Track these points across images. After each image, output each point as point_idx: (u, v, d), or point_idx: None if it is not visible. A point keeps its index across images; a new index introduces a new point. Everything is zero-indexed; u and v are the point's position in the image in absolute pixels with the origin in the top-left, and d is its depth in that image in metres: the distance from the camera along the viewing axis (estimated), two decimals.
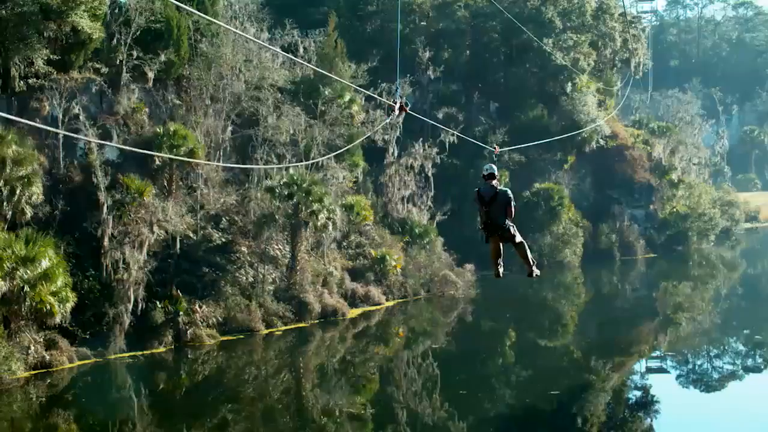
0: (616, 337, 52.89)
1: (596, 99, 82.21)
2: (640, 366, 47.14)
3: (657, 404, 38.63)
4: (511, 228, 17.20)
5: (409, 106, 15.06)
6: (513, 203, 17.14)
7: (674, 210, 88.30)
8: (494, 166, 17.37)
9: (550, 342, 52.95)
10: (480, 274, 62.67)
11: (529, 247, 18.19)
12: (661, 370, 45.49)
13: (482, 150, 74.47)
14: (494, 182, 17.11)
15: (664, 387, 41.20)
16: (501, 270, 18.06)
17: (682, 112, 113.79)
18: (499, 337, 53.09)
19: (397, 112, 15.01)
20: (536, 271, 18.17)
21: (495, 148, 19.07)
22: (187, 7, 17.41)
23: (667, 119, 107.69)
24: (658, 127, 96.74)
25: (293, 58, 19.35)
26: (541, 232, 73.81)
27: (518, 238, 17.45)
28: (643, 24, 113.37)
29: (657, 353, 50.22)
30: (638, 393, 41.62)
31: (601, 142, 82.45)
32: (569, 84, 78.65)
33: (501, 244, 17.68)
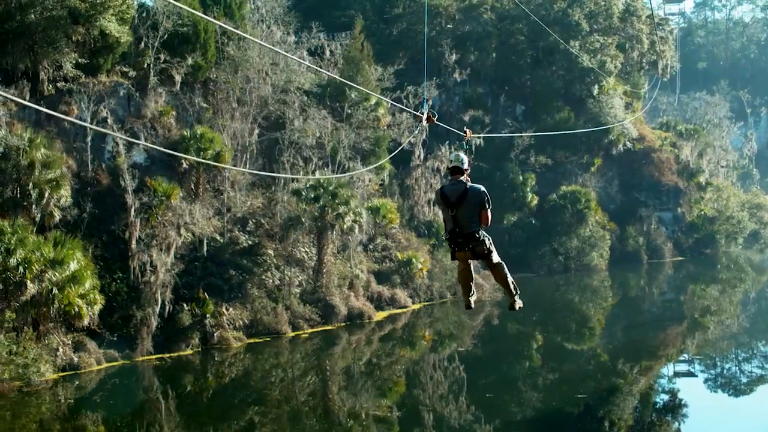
0: (644, 341, 52.61)
1: (623, 101, 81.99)
2: (668, 369, 46.87)
3: (685, 408, 38.34)
4: (486, 240, 13.69)
5: (436, 116, 14.46)
6: (489, 205, 13.61)
7: (702, 213, 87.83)
8: (463, 156, 13.93)
9: (577, 345, 52.75)
10: None
11: (511, 277, 14.74)
12: (688, 374, 45.22)
13: (509, 152, 74.55)
14: (463, 177, 13.75)
15: (692, 391, 40.93)
16: (473, 299, 14.73)
17: (710, 115, 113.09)
18: (525, 340, 52.95)
19: (425, 122, 14.27)
20: (519, 303, 14.91)
21: (466, 132, 14.90)
22: (201, 15, 17.21)
23: (694, 122, 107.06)
24: (686, 129, 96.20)
25: (312, 66, 19.36)
26: (567, 235, 73.70)
27: (495, 257, 14.03)
28: (671, 26, 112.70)
29: (685, 357, 49.92)
30: (666, 397, 41.38)
31: (629, 144, 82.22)
32: (596, 86, 78.45)
33: (472, 265, 14.47)
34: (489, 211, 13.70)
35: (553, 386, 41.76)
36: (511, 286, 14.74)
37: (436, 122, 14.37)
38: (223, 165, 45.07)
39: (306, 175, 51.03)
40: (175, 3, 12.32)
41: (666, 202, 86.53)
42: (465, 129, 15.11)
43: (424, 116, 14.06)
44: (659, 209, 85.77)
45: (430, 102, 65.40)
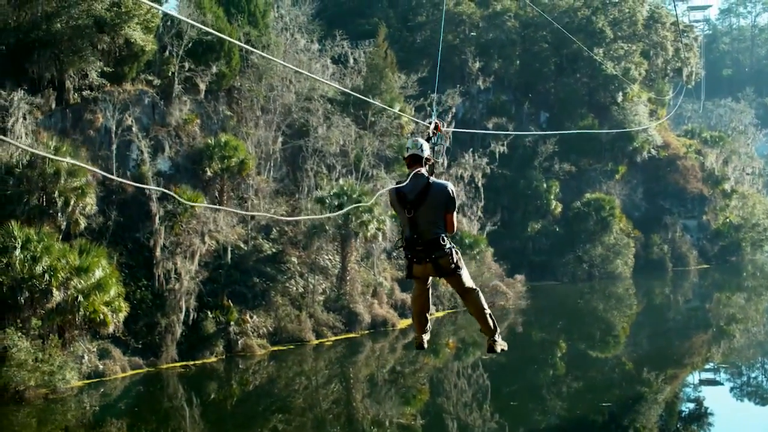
0: (669, 349, 52.32)
1: (647, 109, 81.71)
2: (693, 378, 46.60)
3: (710, 417, 38.08)
4: (453, 252, 10.80)
5: (444, 125, 12.75)
6: (455, 207, 10.84)
7: (727, 220, 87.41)
8: (422, 141, 11.00)
9: (602, 353, 52.51)
10: (530, 285, 62.48)
11: (491, 311, 11.56)
12: (714, 383, 44.93)
13: (532, 159, 74.41)
14: (423, 170, 10.82)
15: (718, 399, 40.66)
16: (426, 337, 11.87)
17: (735, 122, 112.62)
18: (549, 348, 52.78)
19: (431, 132, 11.38)
20: (501, 343, 11.51)
21: (436, 125, 11.42)
22: (222, 35, 17.28)
23: (719, 129, 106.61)
24: (711, 136, 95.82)
25: (317, 78, 19.32)
26: (591, 242, 73.51)
27: (467, 278, 11.09)
28: (696, 33, 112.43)
29: (710, 365, 49.61)
30: (691, 405, 41.12)
31: (653, 152, 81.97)
32: (620, 94, 78.24)
33: (430, 290, 11.44)
34: (455, 214, 10.95)
35: (578, 394, 41.61)
36: (490, 321, 11.46)
37: (443, 130, 11.87)
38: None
39: (330, 183, 51.09)
40: (189, 20, 12.24)
41: (691, 209, 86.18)
42: (433, 119, 11.61)
43: (432, 126, 11.41)
44: (684, 217, 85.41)
45: (449, 101, 65.50)
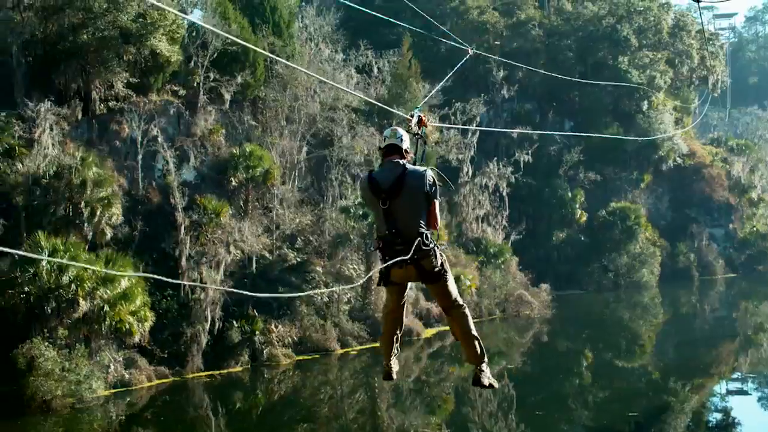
0: (695, 358, 51.99)
1: (673, 117, 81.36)
2: (720, 387, 46.27)
3: (738, 427, 37.82)
4: (438, 253, 9.44)
5: (430, 120, 10.47)
6: (438, 198, 9.52)
7: (754, 229, 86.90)
8: (402, 132, 9.76)
9: (628, 362, 52.24)
10: (555, 294, 62.30)
11: (479, 337, 9.99)
12: (741, 392, 44.60)
13: (557, 168, 74.23)
14: (402, 161, 9.54)
15: (746, 409, 40.34)
16: (395, 366, 10.65)
17: (762, 130, 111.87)
18: (575, 358, 52.58)
19: (414, 125, 10.01)
20: (488, 376, 10.01)
21: (420, 118, 10.11)
22: (247, 44, 17.41)
23: (746, 137, 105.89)
24: (737, 145, 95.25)
25: (345, 89, 19.35)
26: (617, 251, 73.25)
27: (453, 290, 9.70)
28: (721, 41, 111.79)
29: (737, 375, 49.26)
30: (718, 415, 40.82)
31: (679, 160, 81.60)
32: (645, 102, 77.95)
33: (406, 304, 10.14)
34: (438, 206, 9.55)
35: (604, 404, 41.42)
36: (477, 346, 9.87)
37: (430, 124, 10.63)
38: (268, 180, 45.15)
39: (355, 192, 51.08)
40: (215, 29, 12.32)
41: (717, 218, 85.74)
42: (413, 113, 10.17)
43: (414, 119, 10.03)
44: (710, 225, 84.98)
45: (479, 118, 65.40)
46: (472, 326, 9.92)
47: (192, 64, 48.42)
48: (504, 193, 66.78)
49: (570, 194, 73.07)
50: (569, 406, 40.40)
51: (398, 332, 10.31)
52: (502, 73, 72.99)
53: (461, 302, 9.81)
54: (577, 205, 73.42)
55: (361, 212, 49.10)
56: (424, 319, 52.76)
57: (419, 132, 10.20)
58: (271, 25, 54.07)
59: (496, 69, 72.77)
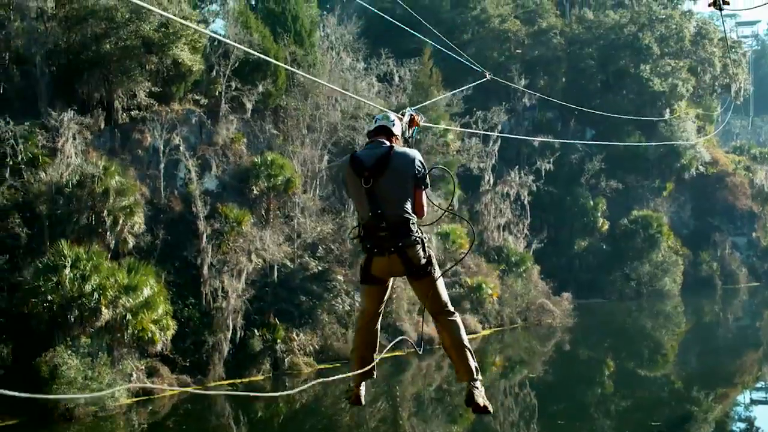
0: (719, 367, 51.71)
1: (695, 125, 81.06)
2: (744, 397, 46.03)
3: None
4: (426, 243, 8.78)
5: (423, 119, 10.03)
6: (426, 184, 8.80)
7: None
8: (394, 117, 9.22)
9: (650, 372, 52.01)
10: (577, 303, 62.09)
11: (471, 349, 9.06)
12: (766, 402, 44.38)
13: (579, 176, 74.04)
14: (388, 143, 8.84)
15: None
16: (362, 392, 9.93)
17: None
18: (597, 367, 52.38)
19: (405, 124, 9.43)
20: (483, 397, 8.86)
21: (411, 115, 9.83)
22: (267, 57, 17.49)
23: None
24: (760, 153, 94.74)
25: (351, 95, 19.34)
26: (639, 260, 72.94)
27: (443, 292, 8.96)
28: (744, 49, 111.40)
29: (761, 384, 49.01)
30: (742, 425, 40.61)
31: (701, 168, 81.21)
32: (667, 110, 77.69)
33: (382, 314, 9.49)
34: (425, 193, 8.78)
35: (626, 413, 41.24)
36: (470, 358, 8.85)
37: (424, 124, 10.17)
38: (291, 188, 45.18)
39: None
40: (234, 43, 12.36)
41: (740, 227, 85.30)
42: (404, 112, 9.71)
43: (405, 118, 9.52)
44: (733, 234, 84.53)
45: (500, 127, 65.31)
46: (465, 337, 8.93)
47: (214, 73, 48.58)
48: (525, 202, 66.66)
49: (592, 202, 72.88)
50: (591, 416, 40.24)
51: (374, 350, 9.51)
52: (524, 81, 72.90)
53: (452, 309, 9.01)
54: (599, 214, 73.18)
55: None
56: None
57: (411, 133, 9.68)
58: (292, 34, 54.22)
59: (517, 77, 72.69)
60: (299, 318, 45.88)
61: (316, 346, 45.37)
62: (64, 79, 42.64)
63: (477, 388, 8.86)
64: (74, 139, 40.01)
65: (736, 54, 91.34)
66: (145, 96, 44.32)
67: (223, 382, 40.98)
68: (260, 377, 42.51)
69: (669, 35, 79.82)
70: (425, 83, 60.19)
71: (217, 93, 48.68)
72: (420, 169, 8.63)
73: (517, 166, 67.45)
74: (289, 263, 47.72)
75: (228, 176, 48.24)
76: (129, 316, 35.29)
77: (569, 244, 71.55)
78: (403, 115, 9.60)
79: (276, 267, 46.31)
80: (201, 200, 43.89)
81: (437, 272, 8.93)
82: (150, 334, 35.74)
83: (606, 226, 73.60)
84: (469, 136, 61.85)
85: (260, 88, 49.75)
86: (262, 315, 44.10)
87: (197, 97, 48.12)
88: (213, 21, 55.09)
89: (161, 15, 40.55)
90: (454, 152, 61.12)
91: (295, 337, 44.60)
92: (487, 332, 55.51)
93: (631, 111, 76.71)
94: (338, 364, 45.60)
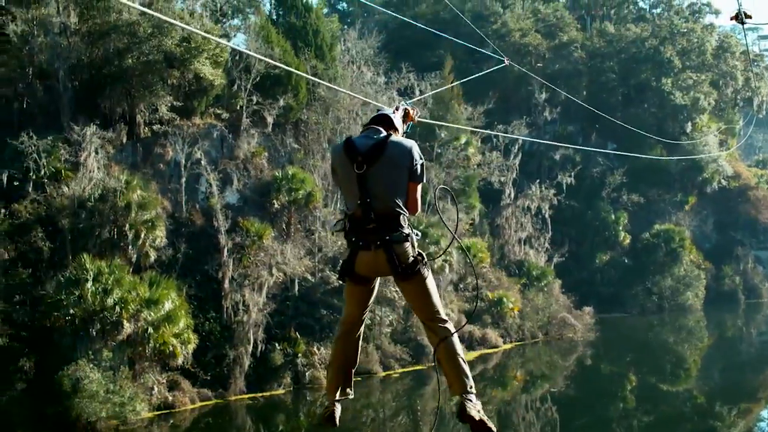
0: (742, 382, 51.40)
1: (717, 139, 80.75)
2: None
3: None
4: (415, 240, 8.04)
5: (419, 114, 9.13)
6: (423, 176, 8.00)
7: None
8: (387, 111, 8.45)
9: (672, 386, 51.73)
10: (598, 317, 61.85)
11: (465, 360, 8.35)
12: None
13: (600, 190, 73.84)
14: (389, 132, 8.15)
15: None
16: (338, 411, 8.58)
17: None
18: (619, 381, 52.13)
19: (400, 118, 8.55)
20: (478, 411, 7.97)
21: (406, 109, 8.86)
22: (290, 68, 17.54)
23: None
24: None
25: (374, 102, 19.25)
26: (661, 274, 72.59)
27: (435, 296, 8.08)
28: (766, 62, 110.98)
29: None
30: None
31: (723, 182, 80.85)
32: (689, 124, 77.45)
33: (364, 325, 8.51)
34: (420, 189, 8.07)
35: (649, 428, 41.02)
36: (464, 368, 8.24)
37: (415, 120, 8.99)
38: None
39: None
40: (258, 55, 12.37)
41: (763, 240, 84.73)
42: (398, 106, 8.85)
43: (399, 112, 8.60)
44: (756, 248, 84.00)
45: (521, 141, 65.26)
46: (459, 347, 8.23)
47: (235, 87, 48.74)
48: (546, 216, 66.55)
49: (613, 216, 72.66)
50: (613, 431, 40.04)
51: (354, 363, 8.49)
52: (545, 95, 72.86)
53: (445, 317, 8.16)
54: (621, 228, 72.94)
55: None
56: (466, 342, 52.56)
57: (405, 129, 8.80)
58: (313, 49, 54.35)
59: (538, 91, 72.66)
60: (320, 332, 45.82)
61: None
62: (86, 93, 42.89)
63: (471, 400, 8.00)
64: (96, 153, 40.23)
65: (759, 67, 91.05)
66: (167, 110, 44.53)
67: (244, 395, 40.99)
68: (281, 391, 42.50)
69: (691, 49, 79.69)
70: (446, 97, 60.21)
71: (238, 107, 48.82)
72: (417, 161, 7.92)
73: (537, 180, 67.39)
74: (310, 277, 47.73)
75: (249, 190, 48.35)
76: (150, 330, 35.38)
77: (590, 258, 71.32)
78: (397, 109, 8.75)
79: (297, 281, 46.33)
80: (222, 214, 43.99)
81: (428, 276, 8.04)
82: (171, 348, 35.82)
83: (627, 240, 73.34)
84: (490, 150, 61.81)
85: (281, 102, 49.89)
86: (283, 329, 44.11)
87: (218, 112, 48.30)
88: (234, 35, 55.35)
89: (183, 29, 40.82)
90: (475, 166, 61.12)
91: (316, 351, 44.56)
92: (508, 346, 55.35)
93: (653, 124, 76.54)
94: (359, 378, 45.56)
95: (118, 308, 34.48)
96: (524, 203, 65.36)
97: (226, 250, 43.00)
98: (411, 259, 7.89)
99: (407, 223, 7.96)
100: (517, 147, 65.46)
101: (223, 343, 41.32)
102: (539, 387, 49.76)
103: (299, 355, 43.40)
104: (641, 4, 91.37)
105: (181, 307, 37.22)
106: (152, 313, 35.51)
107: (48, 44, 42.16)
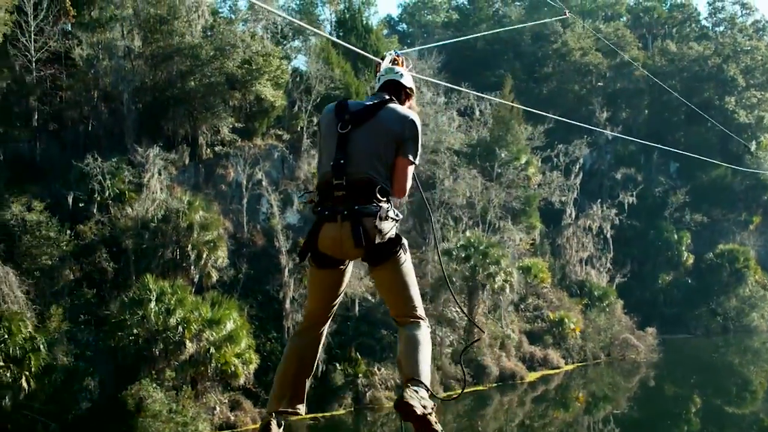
0: None
1: None
2: None
3: None
4: (392, 217, 6.63)
5: (410, 66, 7.67)
6: (416, 151, 6.75)
7: None
8: (401, 69, 7.21)
9: (738, 409, 50.91)
10: (662, 338, 61.12)
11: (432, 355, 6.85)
12: None
13: (662, 210, 73.09)
14: (390, 98, 6.94)
15: None
16: (274, 428, 6.78)
17: None
18: (683, 403, 51.41)
19: (388, 61, 7.29)
20: (420, 403, 6.22)
21: (394, 57, 7.43)
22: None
23: None
24: None
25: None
26: (725, 295, 71.62)
27: (413, 293, 6.77)
28: None
29: None
30: None
31: None
32: (753, 142, 76.51)
33: (327, 326, 7.53)
34: (411, 169, 6.80)
35: None
36: (420, 359, 6.53)
37: (407, 69, 7.45)
38: None
39: (457, 234, 51.03)
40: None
41: None
42: (385, 55, 7.49)
43: (385, 62, 7.31)
44: None
45: (582, 160, 64.82)
46: (426, 344, 6.64)
47: (296, 108, 49.11)
48: (608, 235, 66.03)
49: (676, 236, 71.89)
50: None
51: (307, 370, 7.18)
52: (606, 114, 72.43)
53: (423, 315, 6.75)
54: (684, 247, 72.16)
55: (463, 255, 48.96)
56: (527, 362, 52.22)
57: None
58: (373, 69, 54.53)
59: (599, 110, 72.25)
60: (380, 352, 45.79)
61: (398, 381, 45.19)
62: (150, 115, 43.48)
63: (417, 392, 6.26)
64: (159, 174, 40.69)
65: None
66: (229, 131, 45.00)
67: (305, 416, 41.00)
68: (342, 411, 42.50)
69: (755, 66, 78.83)
70: (506, 117, 60.10)
71: (299, 128, 49.16)
72: (409, 134, 6.70)
73: (599, 200, 66.88)
74: (370, 297, 47.72)
75: (309, 211, 48.42)
76: (212, 350, 35.58)
77: (653, 278, 70.58)
78: (383, 58, 7.44)
79: (357, 301, 46.37)
80: (283, 234, 44.19)
81: (407, 264, 6.72)
82: (233, 368, 35.98)
83: (691, 260, 72.52)
84: (551, 170, 61.52)
85: None
86: (343, 349, 44.13)
87: (279, 132, 48.68)
88: (295, 57, 55.71)
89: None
90: (536, 186, 60.85)
91: (377, 372, 44.52)
92: (569, 367, 54.87)
93: (716, 143, 75.73)
94: None
95: (180, 328, 34.75)
96: (585, 223, 64.91)
97: (287, 270, 43.17)
98: (382, 236, 6.52)
99: (387, 197, 6.64)
100: (577, 167, 65.06)
101: None
102: (601, 408, 49.21)
103: (360, 375, 43.38)
104: (704, 22, 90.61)
105: (243, 327, 37.38)
106: (214, 333, 35.71)
107: (113, 67, 42.86)
